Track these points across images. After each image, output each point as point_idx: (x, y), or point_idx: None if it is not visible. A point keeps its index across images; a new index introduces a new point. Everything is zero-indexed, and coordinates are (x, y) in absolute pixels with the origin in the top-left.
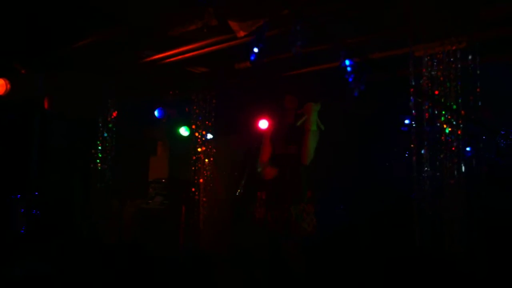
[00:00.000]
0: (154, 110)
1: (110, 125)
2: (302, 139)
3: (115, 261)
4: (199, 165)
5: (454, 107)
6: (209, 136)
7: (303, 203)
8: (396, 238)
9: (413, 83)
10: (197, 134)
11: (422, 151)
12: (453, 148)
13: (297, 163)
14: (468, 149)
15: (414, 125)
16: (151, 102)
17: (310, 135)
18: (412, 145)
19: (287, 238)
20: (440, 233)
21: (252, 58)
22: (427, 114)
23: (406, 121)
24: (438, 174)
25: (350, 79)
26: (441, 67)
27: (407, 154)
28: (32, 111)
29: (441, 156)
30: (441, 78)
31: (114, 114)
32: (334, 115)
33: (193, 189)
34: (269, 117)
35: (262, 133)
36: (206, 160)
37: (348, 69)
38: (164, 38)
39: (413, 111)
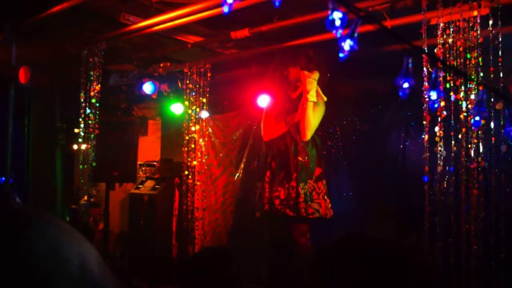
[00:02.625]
0: (143, 84)
1: (93, 100)
2: (301, 112)
3: (101, 251)
4: (193, 145)
5: (474, 80)
6: (204, 114)
7: (311, 181)
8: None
9: (427, 52)
10: (190, 112)
11: (436, 129)
12: (471, 126)
13: (298, 139)
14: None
15: (428, 98)
16: (140, 76)
17: (308, 107)
18: (424, 122)
19: (296, 221)
20: (454, 225)
21: (344, 55)
22: (442, 87)
23: (405, 84)
24: (453, 155)
25: (338, 35)
26: (460, 35)
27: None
28: (6, 84)
29: (458, 135)
30: (461, 49)
31: (98, 88)
32: (342, 87)
33: (186, 173)
34: (271, 92)
35: (265, 108)
36: (201, 140)
37: (337, 22)
38: (151, 1)
39: (425, 83)
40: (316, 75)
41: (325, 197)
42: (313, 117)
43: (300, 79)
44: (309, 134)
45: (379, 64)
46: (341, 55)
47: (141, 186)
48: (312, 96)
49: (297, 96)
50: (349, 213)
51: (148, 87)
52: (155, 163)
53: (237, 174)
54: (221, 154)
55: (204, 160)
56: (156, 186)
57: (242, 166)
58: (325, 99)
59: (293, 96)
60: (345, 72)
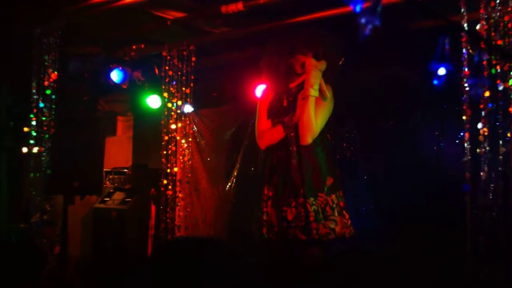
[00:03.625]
0: (111, 71)
1: (48, 92)
2: (300, 109)
3: (57, 282)
4: (174, 148)
5: None
6: (187, 108)
7: (323, 194)
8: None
9: (468, 29)
10: (170, 106)
11: (479, 126)
12: None
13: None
14: None
15: (469, 87)
16: (107, 60)
17: (310, 104)
18: (464, 117)
19: (307, 245)
20: (503, 246)
21: (364, 35)
22: (486, 73)
23: (441, 70)
24: (500, 158)
25: (357, 9)
26: (508, 8)
27: (462, 133)
28: None
29: (507, 133)
30: (509, 25)
31: (54, 76)
32: (360, 76)
33: (165, 182)
34: (269, 81)
35: (258, 104)
36: (184, 141)
37: None
38: None
39: (466, 68)
40: (323, 65)
41: (343, 212)
42: (317, 115)
43: (304, 68)
44: (310, 136)
45: (407, 46)
46: (360, 34)
47: (108, 199)
48: (315, 90)
49: (296, 89)
50: (369, 233)
51: (117, 75)
52: (125, 170)
53: (229, 184)
54: (208, 159)
55: (187, 166)
56: (127, 199)
57: (235, 173)
58: (329, 95)
59: (291, 87)
60: (364, 57)
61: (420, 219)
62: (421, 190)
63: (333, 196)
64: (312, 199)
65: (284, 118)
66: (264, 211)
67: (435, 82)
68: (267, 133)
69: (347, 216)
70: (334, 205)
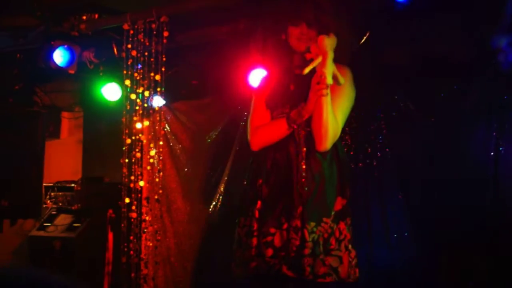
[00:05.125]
0: (53, 51)
1: None
2: (315, 103)
3: None
4: (139, 155)
5: None
6: (157, 100)
7: (328, 220)
8: None
9: None
10: (134, 97)
11: None
12: None
13: (312, 147)
14: None
15: None
16: (46, 36)
17: (325, 97)
18: None
19: (297, 286)
20: None
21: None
22: None
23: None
24: None
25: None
26: None
27: None
28: None
29: None
30: None
31: None
32: (389, 55)
33: (127, 200)
34: (266, 64)
35: (253, 93)
36: (152, 145)
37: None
38: None
39: None
40: (333, 40)
41: (350, 247)
42: (335, 109)
43: (310, 49)
44: (330, 140)
45: (455, 14)
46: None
47: (49, 224)
48: (329, 76)
49: (306, 74)
50: (404, 268)
51: (61, 56)
52: (73, 184)
53: (214, 203)
54: (186, 169)
55: (157, 180)
56: (75, 225)
57: (221, 189)
58: (342, 81)
59: (297, 72)
60: (394, 30)
61: (473, 250)
62: (473, 211)
63: (342, 224)
64: (313, 224)
65: (291, 112)
66: (255, 234)
67: (502, 61)
68: (264, 129)
69: (353, 253)
70: (342, 237)
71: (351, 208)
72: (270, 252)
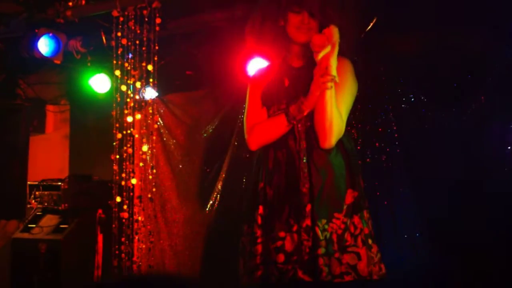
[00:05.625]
0: (37, 40)
1: None
2: (316, 98)
3: None
4: (130, 150)
5: None
6: (150, 92)
7: (340, 215)
8: None
9: None
10: (124, 89)
11: None
12: None
13: (315, 143)
14: None
15: None
16: (30, 24)
17: (329, 91)
18: None
19: None
20: None
21: None
22: None
23: None
24: None
25: None
26: None
27: None
28: None
29: None
30: None
31: None
32: (399, 43)
33: (118, 199)
34: (261, 52)
35: (248, 88)
36: (144, 140)
37: None
38: None
39: None
40: (335, 32)
41: (369, 241)
42: (340, 104)
43: (315, 42)
44: (334, 136)
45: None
46: None
47: (33, 226)
48: (333, 70)
49: (303, 66)
50: (415, 270)
51: (46, 45)
52: (60, 183)
53: (211, 202)
54: (180, 166)
55: (150, 177)
56: (62, 226)
57: (219, 186)
58: (337, 79)
59: (293, 65)
60: (404, 16)
61: (489, 252)
62: (490, 211)
63: (356, 218)
64: (324, 221)
65: (289, 107)
66: (259, 241)
67: None
68: (261, 127)
69: (375, 248)
70: (358, 231)
71: (367, 200)
72: (281, 257)
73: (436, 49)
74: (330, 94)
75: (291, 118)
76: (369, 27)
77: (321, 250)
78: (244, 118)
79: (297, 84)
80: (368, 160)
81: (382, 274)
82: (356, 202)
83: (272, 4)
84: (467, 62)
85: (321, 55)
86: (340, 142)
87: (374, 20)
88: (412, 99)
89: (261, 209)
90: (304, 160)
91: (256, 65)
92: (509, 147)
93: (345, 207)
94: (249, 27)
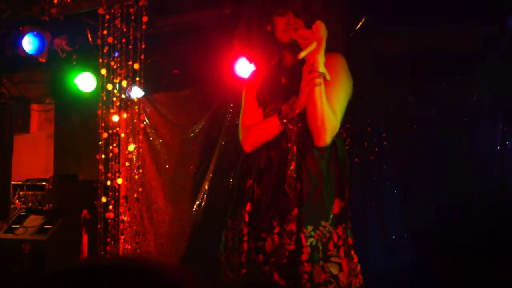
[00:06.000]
0: (21, 38)
1: None
2: (308, 94)
3: None
4: (116, 150)
5: None
6: (136, 91)
7: (326, 223)
8: None
9: None
10: (110, 88)
11: None
12: None
13: (309, 144)
14: None
15: None
16: (14, 21)
17: (318, 87)
18: None
19: None
20: None
21: None
22: None
23: None
24: None
25: None
26: None
27: None
28: None
29: None
30: None
31: None
32: (388, 43)
33: (103, 199)
34: (253, 58)
35: (242, 84)
36: (131, 140)
37: None
38: None
39: None
40: (321, 27)
41: (351, 253)
42: (331, 100)
43: (304, 36)
44: (329, 134)
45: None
46: None
47: (17, 226)
48: (321, 66)
49: (297, 64)
50: (404, 271)
51: (30, 43)
52: (44, 183)
53: (197, 202)
54: (167, 166)
55: (136, 177)
56: (47, 226)
57: (206, 187)
58: (328, 77)
59: (286, 65)
60: (392, 16)
61: (478, 253)
62: (478, 210)
63: (340, 228)
64: (310, 227)
65: (282, 106)
66: (245, 239)
67: None
68: (256, 128)
69: (356, 259)
70: (342, 241)
71: (350, 211)
72: (260, 258)
73: (426, 48)
74: (319, 91)
75: (283, 117)
76: (358, 26)
77: (305, 257)
78: (239, 120)
79: (292, 83)
80: (356, 159)
81: (361, 285)
82: (342, 212)
83: (255, 10)
84: (456, 62)
85: (307, 51)
86: (334, 147)
87: (363, 20)
88: (402, 100)
89: (249, 206)
90: (296, 164)
91: (248, 66)
92: (497, 147)
93: (331, 216)
94: (237, 36)
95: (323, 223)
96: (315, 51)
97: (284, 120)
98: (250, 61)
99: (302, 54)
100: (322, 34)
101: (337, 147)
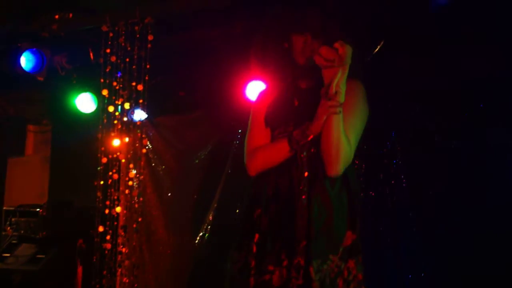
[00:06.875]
0: (19, 55)
1: None
2: (324, 122)
3: None
4: (116, 176)
5: None
6: (139, 114)
7: (335, 257)
8: None
9: None
10: (112, 110)
11: None
12: None
13: (320, 172)
14: None
15: None
16: (12, 37)
17: (337, 115)
18: None
19: None
20: None
21: None
22: None
23: None
24: None
25: None
26: None
27: None
28: None
29: None
30: None
31: None
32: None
33: (101, 229)
34: (266, 75)
35: (251, 108)
36: (132, 166)
37: None
38: None
39: None
40: (348, 51)
41: (360, 285)
42: (349, 129)
43: (327, 57)
44: (342, 164)
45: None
46: None
47: (8, 255)
48: (342, 93)
49: (312, 87)
50: None
51: (28, 60)
52: (38, 209)
53: (201, 234)
54: (169, 194)
55: (136, 206)
56: (39, 256)
57: (210, 218)
58: (342, 100)
59: (301, 86)
60: (412, 39)
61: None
62: (502, 247)
63: (351, 262)
64: (318, 261)
65: (293, 131)
66: (253, 272)
67: None
68: (263, 151)
69: None
70: (352, 276)
71: (361, 244)
72: None
73: (446, 75)
74: (338, 119)
75: (294, 143)
76: (376, 49)
77: None
78: (245, 141)
79: (306, 107)
80: (371, 193)
81: None
82: (354, 245)
83: (274, 26)
84: (479, 89)
85: (337, 79)
86: (346, 178)
87: (381, 43)
88: (420, 129)
89: (257, 237)
90: (305, 190)
91: (259, 86)
92: None
93: (341, 249)
94: (254, 51)
95: (331, 257)
96: (337, 76)
97: (295, 146)
98: (262, 79)
99: (333, 90)
100: (347, 60)
101: (348, 177)
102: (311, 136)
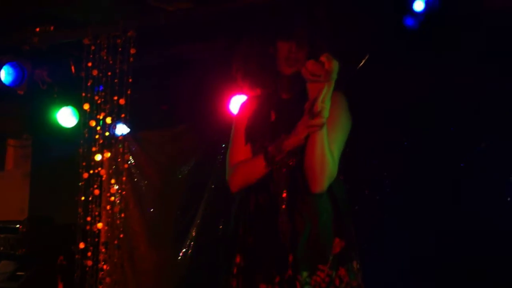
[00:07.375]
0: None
1: None
2: (302, 137)
3: None
4: (97, 192)
5: None
6: (121, 128)
7: (325, 267)
8: None
9: None
10: (93, 124)
11: None
12: None
13: (300, 184)
14: None
15: None
16: None
17: (320, 132)
18: None
19: None
20: None
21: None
22: None
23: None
24: None
25: None
26: None
27: None
28: None
29: None
30: None
31: None
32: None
33: (82, 245)
34: (248, 83)
35: (233, 121)
36: (113, 181)
37: None
38: None
39: None
40: (335, 66)
41: None
42: (332, 143)
43: (314, 72)
44: (327, 179)
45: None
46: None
47: None
48: (326, 109)
49: (292, 98)
50: None
51: (8, 74)
52: (18, 225)
53: (184, 250)
54: (152, 210)
55: (118, 222)
56: (19, 273)
57: (193, 234)
58: (327, 115)
59: (281, 97)
60: (399, 53)
61: None
62: (500, 263)
63: (342, 270)
64: (305, 274)
65: (268, 146)
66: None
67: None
68: (242, 167)
69: None
70: (343, 285)
71: (356, 250)
72: None
73: (434, 90)
74: (321, 135)
75: (270, 159)
76: (361, 64)
77: None
78: (227, 156)
79: (284, 119)
80: (356, 207)
81: None
82: (343, 252)
83: (260, 29)
84: (465, 103)
85: (322, 95)
86: (329, 186)
87: (366, 57)
88: (407, 145)
89: (238, 258)
90: (287, 207)
91: (241, 99)
92: (508, 199)
93: (331, 257)
94: (237, 54)
95: (320, 266)
96: (322, 92)
97: (270, 162)
98: (246, 93)
99: (324, 111)
100: (333, 75)
101: (332, 185)
102: (287, 150)
